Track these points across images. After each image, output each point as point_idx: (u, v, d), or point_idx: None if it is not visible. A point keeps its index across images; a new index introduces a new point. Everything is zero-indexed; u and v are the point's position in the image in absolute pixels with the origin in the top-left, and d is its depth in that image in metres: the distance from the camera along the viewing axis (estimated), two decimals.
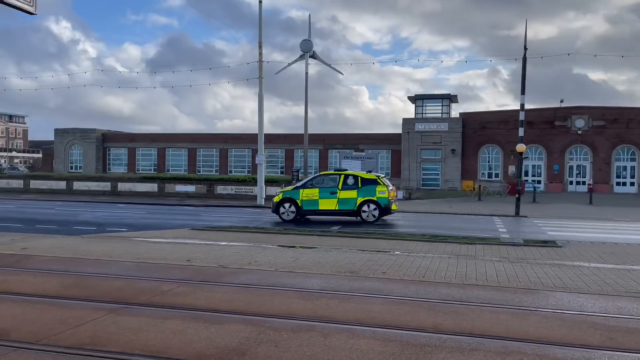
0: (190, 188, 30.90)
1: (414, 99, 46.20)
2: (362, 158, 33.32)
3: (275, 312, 5.82)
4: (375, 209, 16.57)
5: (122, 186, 31.72)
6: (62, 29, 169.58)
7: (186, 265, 8.70)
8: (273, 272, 8.24)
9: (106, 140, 56.48)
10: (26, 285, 6.94)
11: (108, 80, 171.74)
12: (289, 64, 38.47)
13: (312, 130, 40.42)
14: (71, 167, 55.59)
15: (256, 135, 27.11)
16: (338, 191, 16.80)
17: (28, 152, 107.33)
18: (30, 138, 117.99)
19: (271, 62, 58.86)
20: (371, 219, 16.59)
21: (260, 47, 25.36)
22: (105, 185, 31.95)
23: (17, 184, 33.03)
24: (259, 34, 25.47)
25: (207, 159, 53.82)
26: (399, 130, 45.95)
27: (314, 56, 37.41)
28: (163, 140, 55.40)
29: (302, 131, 35.68)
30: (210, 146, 53.46)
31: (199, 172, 51.57)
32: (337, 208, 16.80)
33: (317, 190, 16.99)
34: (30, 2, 10.70)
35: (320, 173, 19.48)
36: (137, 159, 55.38)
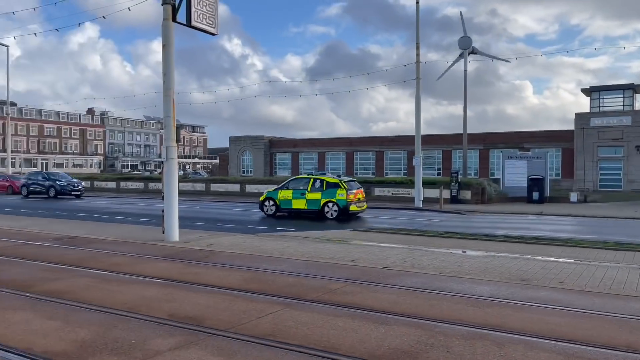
0: None
1: (589, 91, 41.73)
2: (528, 158, 31.07)
3: (444, 317, 5.71)
4: (335, 209, 18.65)
5: None
6: (234, 46, 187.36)
7: (351, 265, 8.97)
8: (437, 276, 8.09)
9: (272, 146, 60.81)
10: (214, 278, 7.78)
11: (273, 90, 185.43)
12: (450, 66, 37.45)
13: (471, 129, 38.85)
14: (243, 172, 60.93)
15: (412, 137, 26.91)
16: (307, 193, 19.12)
17: (207, 158, 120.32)
18: (209, 146, 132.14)
19: (428, 63, 57.83)
20: (331, 216, 18.58)
21: (417, 48, 25.12)
22: (273, 188, 34.39)
23: (200, 187, 37.21)
24: (416, 35, 25.25)
25: (364, 161, 54.90)
26: (570, 126, 41.93)
27: (474, 52, 35.89)
28: (323, 145, 57.92)
29: (459, 131, 34.48)
30: (367, 149, 54.44)
31: (356, 174, 52.79)
32: (306, 207, 19.08)
33: (291, 191, 19.48)
34: (212, 25, 11.99)
35: (295, 177, 22.32)
36: (300, 163, 58.65)
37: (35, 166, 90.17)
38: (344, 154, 55.87)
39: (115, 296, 6.57)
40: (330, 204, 18.72)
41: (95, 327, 5.22)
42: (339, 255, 9.95)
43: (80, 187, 32.79)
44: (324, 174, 20.22)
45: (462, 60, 37.10)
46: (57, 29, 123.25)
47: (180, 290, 6.97)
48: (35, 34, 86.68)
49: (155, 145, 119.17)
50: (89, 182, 41.12)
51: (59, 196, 31.29)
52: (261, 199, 20.61)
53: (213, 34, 12.59)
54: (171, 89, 11.70)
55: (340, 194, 18.71)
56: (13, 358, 4.35)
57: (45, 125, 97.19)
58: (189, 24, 11.67)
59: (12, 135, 48.00)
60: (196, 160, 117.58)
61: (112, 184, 41.67)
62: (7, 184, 35.74)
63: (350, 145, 55.72)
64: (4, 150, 61.59)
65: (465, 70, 36.86)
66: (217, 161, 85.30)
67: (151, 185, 38.62)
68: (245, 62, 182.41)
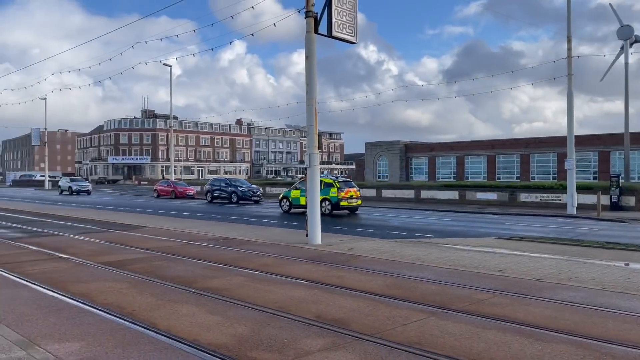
0: (491, 196, 30.25)
1: None
2: None
3: (611, 337, 5.14)
4: (328, 205, 22.08)
5: (424, 194, 33.26)
6: (370, 52, 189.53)
7: (498, 275, 8.50)
8: (600, 291, 7.32)
9: (408, 150, 60.24)
10: (356, 282, 7.90)
11: (408, 95, 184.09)
12: (613, 62, 33.98)
13: (633, 128, 34.72)
14: (379, 177, 61.22)
15: (562, 137, 24.79)
16: None
17: (344, 164, 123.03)
18: (345, 152, 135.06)
19: (581, 57, 52.87)
20: (325, 211, 21.43)
21: (569, 41, 23.11)
22: (409, 193, 34.05)
23: None
24: (567, 28, 23.25)
25: (507, 165, 51.88)
26: None
27: (637, 41, 32.10)
28: (461, 149, 55.92)
29: (618, 130, 30.92)
30: (510, 152, 51.38)
31: (499, 179, 50.09)
32: None
33: (299, 191, 23.08)
34: (352, 34, 12.24)
35: (302, 180, 25.16)
36: (437, 168, 57.29)
37: (192, 173, 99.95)
38: (485, 157, 53.35)
39: (266, 295, 6.99)
40: (325, 202, 21.76)
41: (250, 324, 5.61)
42: (484, 265, 9.49)
43: (259, 193, 33.32)
44: (327, 176, 24.71)
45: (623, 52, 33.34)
46: (212, 49, 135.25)
47: (325, 292, 7.19)
48: (193, 54, 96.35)
49: (296, 152, 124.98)
50: None
51: (240, 202, 32.13)
52: (279, 198, 25.06)
53: (353, 43, 12.86)
54: (313, 99, 12.17)
55: (333, 192, 22.18)
56: (184, 348, 4.84)
57: (201, 136, 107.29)
58: (330, 35, 12.06)
59: (174, 145, 53.75)
60: (333, 166, 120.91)
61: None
62: (170, 189, 40.06)
63: (491, 148, 53.05)
64: (168, 159, 69.01)
65: (627, 63, 33.06)
66: (354, 167, 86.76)
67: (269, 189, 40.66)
68: (380, 68, 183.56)
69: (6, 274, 8.51)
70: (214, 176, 61.71)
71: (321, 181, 21.60)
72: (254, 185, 34.87)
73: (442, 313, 6.08)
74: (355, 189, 23.28)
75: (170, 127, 49.16)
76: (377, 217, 22.18)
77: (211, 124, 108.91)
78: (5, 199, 37.47)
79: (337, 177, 25.27)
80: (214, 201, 33.61)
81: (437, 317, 5.89)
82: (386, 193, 35.21)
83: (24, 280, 8.03)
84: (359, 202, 23.37)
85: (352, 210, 23.15)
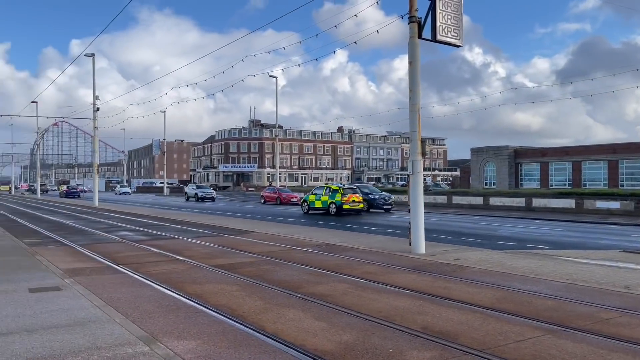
0: (613, 204, 27.69)
1: None
2: None
3: None
4: (334, 207, 26.72)
5: (536, 202, 31.29)
6: (475, 55, 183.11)
7: (624, 292, 7.74)
8: None
9: (518, 156, 57.12)
10: (464, 294, 7.60)
11: (517, 97, 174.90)
12: None
13: None
14: (485, 184, 58.70)
15: None
16: (322, 196, 27.83)
17: (447, 170, 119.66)
18: (448, 157, 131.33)
19: None
20: (332, 212, 26.71)
21: None
22: (519, 201, 32.22)
23: (441, 199, 37.11)
24: None
25: (632, 171, 47.31)
26: None
27: None
28: (577, 153, 51.96)
29: None
30: (636, 157, 46.78)
31: (622, 186, 45.81)
32: (321, 206, 27.77)
33: (314, 196, 28.53)
34: (457, 37, 11.91)
35: (317, 187, 31.00)
36: (550, 174, 53.70)
37: (296, 180, 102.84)
38: (605, 162, 49.08)
39: (371, 304, 6.95)
40: (332, 205, 27.01)
41: (355, 332, 5.60)
42: (608, 280, 8.69)
43: (390, 201, 30.71)
44: (334, 184, 29.86)
45: None
46: (316, 59, 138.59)
47: (431, 303, 6.99)
48: (298, 64, 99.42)
49: (397, 158, 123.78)
50: None
51: (371, 210, 29.50)
52: (301, 202, 30.45)
53: (458, 46, 12.49)
54: (417, 104, 11.97)
55: (338, 197, 26.92)
56: (291, 352, 4.95)
57: (304, 143, 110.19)
58: (434, 39, 11.81)
59: (279, 153, 55.71)
60: (436, 172, 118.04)
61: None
62: (275, 195, 41.52)
63: (613, 152, 48.69)
64: (273, 167, 71.57)
65: None
66: (458, 173, 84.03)
67: (394, 197, 40.08)
68: (486, 71, 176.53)
69: (132, 274, 9.31)
70: (317, 183, 62.87)
71: (329, 188, 28.18)
72: (384, 193, 32.58)
73: (560, 331, 5.65)
74: (357, 194, 27.65)
75: (275, 135, 51.06)
76: (484, 226, 21.24)
77: (313, 132, 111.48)
78: (130, 204, 41.19)
79: (343, 185, 29.98)
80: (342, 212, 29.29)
81: (554, 335, 5.48)
82: (493, 201, 33.63)
83: (147, 279, 8.72)
84: (361, 205, 27.45)
85: (355, 212, 27.31)
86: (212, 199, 48.46)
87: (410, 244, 12.25)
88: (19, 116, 58.03)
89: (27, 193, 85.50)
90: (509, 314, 6.42)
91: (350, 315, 6.31)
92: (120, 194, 72.67)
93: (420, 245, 12.05)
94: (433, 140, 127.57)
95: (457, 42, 12.27)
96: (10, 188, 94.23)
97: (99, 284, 8.27)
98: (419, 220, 12.08)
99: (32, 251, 12.38)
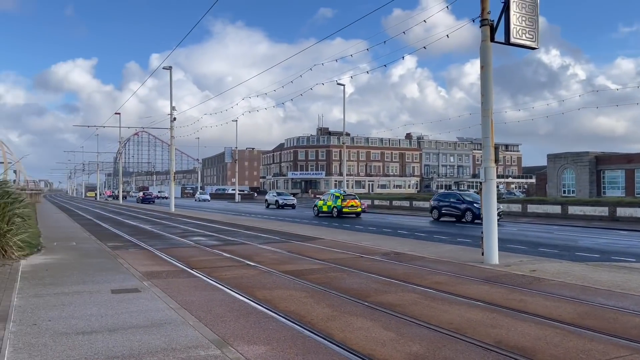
0: None
1: None
2: None
3: None
4: (336, 211, 31.89)
5: (621, 211, 29.25)
6: (552, 57, 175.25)
7: None
8: None
9: (599, 162, 53.83)
10: (541, 308, 7.21)
11: (598, 101, 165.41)
12: None
13: None
14: (563, 192, 55.73)
15: None
16: (327, 202, 33.17)
17: (521, 177, 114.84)
18: (523, 164, 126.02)
19: None
20: (333, 215, 31.89)
21: None
22: (602, 210, 30.26)
23: (516, 207, 35.57)
24: None
25: None
26: None
27: None
28: None
29: None
30: None
31: None
32: (327, 210, 32.90)
33: (323, 201, 33.88)
34: (533, 39, 11.46)
35: (326, 193, 36.70)
36: (636, 182, 50.14)
37: (363, 187, 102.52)
38: None
39: (441, 315, 6.76)
40: (334, 209, 31.94)
41: (425, 343, 5.46)
42: None
43: (499, 211, 25.83)
44: (337, 191, 34.87)
45: None
46: (384, 65, 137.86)
47: (505, 316, 6.70)
48: (367, 71, 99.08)
49: (468, 165, 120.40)
50: (407, 202, 44.29)
51: (476, 221, 25.41)
52: (313, 206, 36.00)
53: (533, 48, 11.97)
54: (489, 110, 11.58)
55: (338, 202, 31.89)
56: None
57: (371, 151, 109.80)
58: (507, 42, 11.39)
59: (346, 161, 55.86)
60: (510, 179, 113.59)
61: (427, 204, 43.68)
62: None
63: None
64: (341, 174, 71.73)
65: None
66: (533, 180, 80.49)
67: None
68: (565, 73, 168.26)
69: (205, 278, 9.63)
70: (384, 191, 62.21)
71: (333, 194, 33.51)
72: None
73: None
74: (356, 200, 32.82)
75: (343, 143, 51.18)
76: (563, 237, 20.13)
77: (381, 139, 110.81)
78: (204, 210, 42.76)
79: (344, 191, 34.79)
80: (442, 219, 29.30)
81: None
82: (572, 210, 31.80)
83: (219, 284, 8.99)
84: (359, 209, 32.23)
85: (354, 214, 31.93)
86: (293, 207, 47.64)
87: (482, 254, 11.83)
88: (104, 127, 62.11)
89: (110, 199, 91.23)
90: (592, 330, 6.02)
91: (420, 326, 6.17)
92: (199, 200, 76.07)
93: (494, 255, 11.60)
94: (506, 146, 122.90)
95: (533, 44, 11.76)
96: (95, 194, 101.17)
97: (174, 287, 8.61)
98: (492, 229, 11.65)
99: (114, 254, 13.13)
